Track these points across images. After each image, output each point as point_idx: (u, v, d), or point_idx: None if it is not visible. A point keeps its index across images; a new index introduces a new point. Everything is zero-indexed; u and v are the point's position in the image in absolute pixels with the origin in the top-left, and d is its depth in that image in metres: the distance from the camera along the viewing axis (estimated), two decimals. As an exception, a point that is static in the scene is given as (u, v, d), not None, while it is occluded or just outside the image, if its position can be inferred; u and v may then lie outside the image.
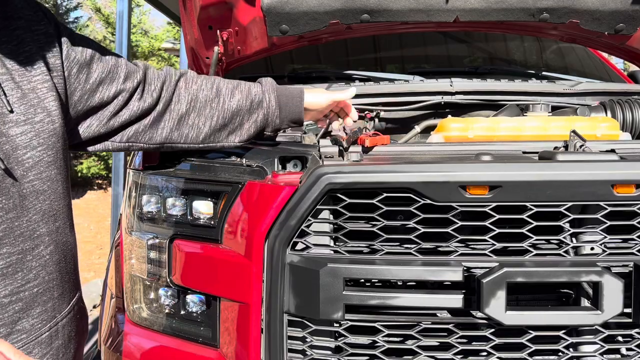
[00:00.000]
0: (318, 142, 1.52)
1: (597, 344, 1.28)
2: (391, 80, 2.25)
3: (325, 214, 1.32)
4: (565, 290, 1.34)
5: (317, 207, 1.28)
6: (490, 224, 1.26)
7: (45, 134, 1.12)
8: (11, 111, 1.07)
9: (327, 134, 1.63)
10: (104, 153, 10.39)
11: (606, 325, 1.25)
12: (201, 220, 1.46)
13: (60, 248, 1.18)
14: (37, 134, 1.11)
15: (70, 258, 1.25)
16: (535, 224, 1.26)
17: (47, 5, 11.41)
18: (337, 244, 1.33)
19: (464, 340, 1.30)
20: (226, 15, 1.92)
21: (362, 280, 1.33)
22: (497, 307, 1.19)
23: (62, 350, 1.22)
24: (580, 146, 1.45)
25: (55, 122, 1.14)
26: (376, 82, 2.20)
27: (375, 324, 1.29)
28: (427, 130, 1.95)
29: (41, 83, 1.13)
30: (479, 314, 1.24)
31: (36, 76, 1.13)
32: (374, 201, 1.27)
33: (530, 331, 1.26)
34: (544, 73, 2.51)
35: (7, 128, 1.07)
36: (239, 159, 1.49)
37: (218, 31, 1.98)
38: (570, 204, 1.26)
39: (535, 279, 1.22)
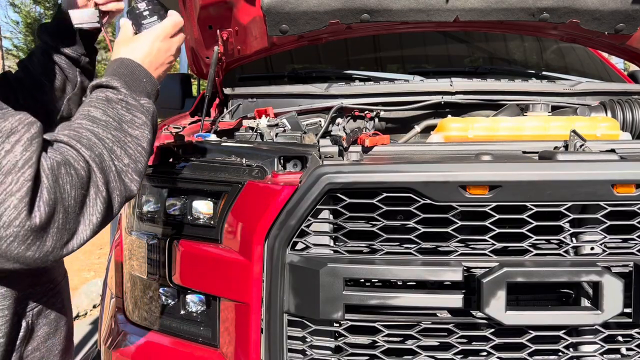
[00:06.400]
0: (318, 142, 1.52)
1: (597, 344, 1.28)
2: (391, 80, 2.24)
3: (325, 214, 1.32)
4: (565, 290, 1.34)
5: (317, 207, 1.28)
6: (490, 223, 1.26)
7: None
8: None
9: (327, 133, 1.64)
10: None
11: (606, 325, 1.25)
12: (201, 220, 1.46)
13: None
14: None
15: None
16: (535, 223, 1.26)
17: (47, 5, 11.36)
18: (337, 243, 1.33)
19: (464, 340, 1.30)
20: (226, 14, 1.92)
21: (362, 280, 1.33)
22: (497, 307, 1.19)
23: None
24: (580, 146, 1.46)
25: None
26: (376, 82, 2.19)
27: (375, 324, 1.29)
28: (427, 130, 1.95)
29: None
30: (479, 314, 1.24)
31: None
32: (373, 201, 1.27)
33: (530, 331, 1.26)
34: (544, 73, 2.51)
35: None
36: (239, 159, 1.49)
37: (218, 31, 1.97)
38: (570, 203, 1.26)
39: (535, 279, 1.22)
